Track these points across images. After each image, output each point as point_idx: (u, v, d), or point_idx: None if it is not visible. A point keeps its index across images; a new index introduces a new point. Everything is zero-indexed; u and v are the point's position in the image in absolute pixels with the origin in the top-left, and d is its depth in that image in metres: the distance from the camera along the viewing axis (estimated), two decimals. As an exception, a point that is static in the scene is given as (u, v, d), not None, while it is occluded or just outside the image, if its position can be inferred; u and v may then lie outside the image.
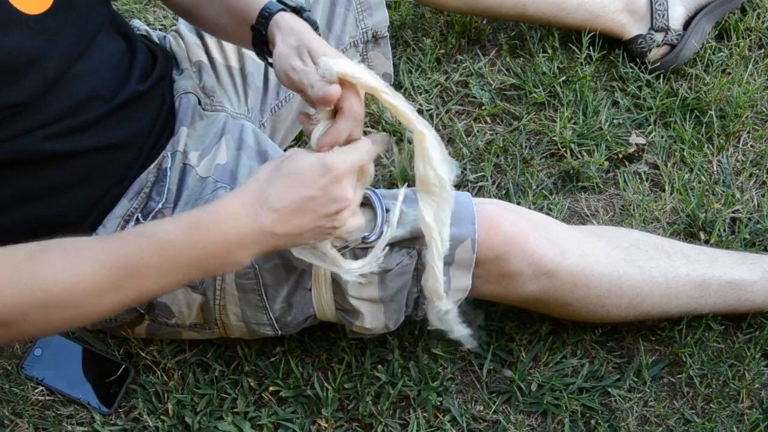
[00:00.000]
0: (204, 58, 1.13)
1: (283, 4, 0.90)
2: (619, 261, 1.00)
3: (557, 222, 1.03)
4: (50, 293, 0.70)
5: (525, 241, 0.94)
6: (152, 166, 0.98)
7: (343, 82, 0.80)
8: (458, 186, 1.29)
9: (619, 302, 1.02)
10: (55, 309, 0.71)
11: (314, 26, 0.90)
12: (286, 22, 0.87)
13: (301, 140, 1.36)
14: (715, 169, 1.30)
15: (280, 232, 0.76)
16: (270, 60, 0.89)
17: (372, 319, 0.96)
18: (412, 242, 0.93)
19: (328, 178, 0.77)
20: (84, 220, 0.93)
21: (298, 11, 0.90)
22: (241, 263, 0.77)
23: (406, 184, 1.06)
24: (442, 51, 1.46)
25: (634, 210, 1.25)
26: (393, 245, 0.92)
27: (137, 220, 0.94)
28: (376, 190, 0.93)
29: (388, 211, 0.91)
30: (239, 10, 0.93)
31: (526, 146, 1.34)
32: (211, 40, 1.14)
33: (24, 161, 0.85)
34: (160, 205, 0.95)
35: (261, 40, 0.91)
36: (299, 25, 0.87)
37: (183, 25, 1.16)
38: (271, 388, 1.09)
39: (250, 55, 1.14)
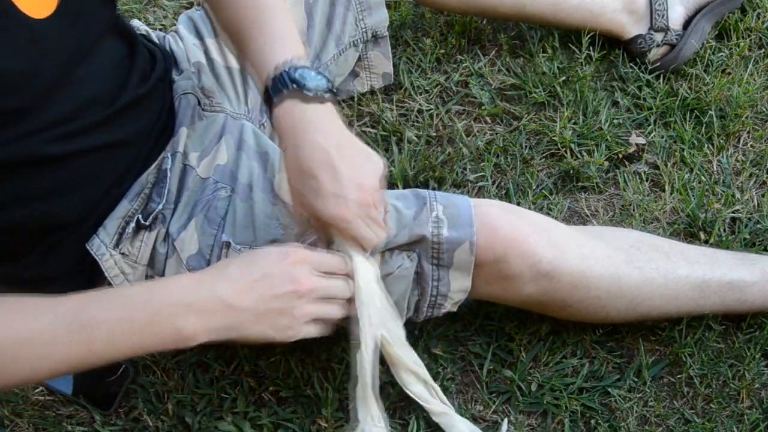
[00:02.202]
0: (203, 59, 1.13)
1: (287, 81, 0.82)
2: (618, 262, 1.00)
3: (557, 223, 1.03)
4: (8, 339, 0.70)
5: (525, 243, 0.94)
6: (152, 167, 0.97)
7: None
8: (458, 186, 1.29)
9: (619, 303, 1.02)
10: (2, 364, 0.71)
11: (332, 94, 0.84)
12: (286, 117, 0.82)
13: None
14: (715, 169, 1.30)
15: (236, 304, 0.77)
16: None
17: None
18: (412, 246, 0.93)
19: (287, 261, 0.79)
20: (84, 221, 0.93)
21: (304, 87, 0.82)
22: (193, 335, 0.76)
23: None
24: (442, 51, 1.46)
25: (634, 210, 1.25)
26: (392, 249, 0.92)
27: (137, 222, 0.94)
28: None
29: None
30: (253, 64, 0.89)
31: (526, 146, 1.34)
32: (210, 41, 1.14)
33: (23, 163, 0.85)
34: (160, 206, 0.95)
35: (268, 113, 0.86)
36: (300, 124, 0.82)
37: (183, 26, 1.16)
38: (271, 388, 1.09)
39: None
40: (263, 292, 0.78)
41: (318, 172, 0.80)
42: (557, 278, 0.96)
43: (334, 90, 0.85)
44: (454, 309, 0.97)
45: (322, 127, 0.82)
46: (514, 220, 0.95)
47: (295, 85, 0.82)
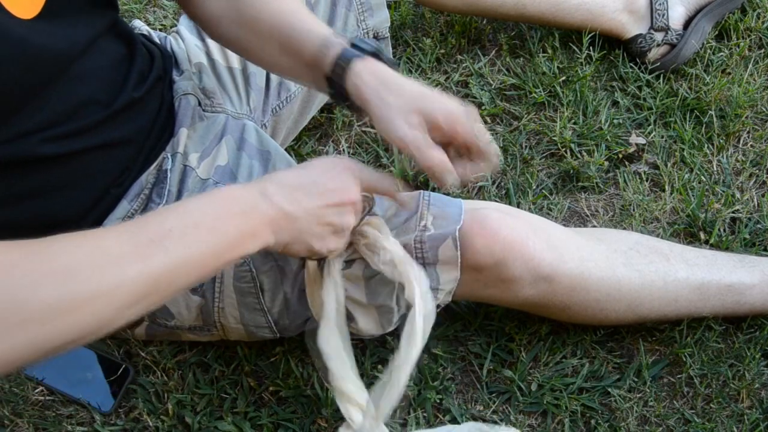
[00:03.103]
0: (204, 60, 1.13)
1: (357, 48, 0.86)
2: (618, 265, 1.00)
3: (556, 225, 1.03)
4: (66, 262, 0.62)
5: (524, 246, 0.94)
6: (152, 167, 0.97)
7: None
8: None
9: (618, 306, 1.02)
10: (72, 280, 0.61)
11: (395, 67, 0.87)
12: (370, 75, 0.84)
13: (300, 140, 1.36)
14: (715, 169, 1.30)
15: (287, 208, 0.76)
16: (354, 110, 0.89)
17: (364, 321, 0.96)
18: None
19: (336, 169, 0.80)
20: (83, 220, 0.93)
21: (376, 55, 0.86)
22: (254, 233, 0.74)
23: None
24: (442, 51, 1.46)
25: (634, 210, 1.25)
26: None
27: None
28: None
29: None
30: (298, 54, 0.89)
31: (526, 146, 1.34)
32: (211, 42, 1.14)
33: (20, 163, 0.85)
34: (160, 207, 0.95)
35: (340, 92, 0.87)
36: (387, 76, 0.84)
37: (184, 26, 1.16)
38: (271, 388, 1.09)
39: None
40: (313, 199, 0.78)
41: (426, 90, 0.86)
42: (556, 281, 0.96)
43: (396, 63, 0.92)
44: (449, 299, 0.97)
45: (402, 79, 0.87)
46: (513, 223, 0.95)
47: (369, 51, 0.86)
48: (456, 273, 0.93)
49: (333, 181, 0.80)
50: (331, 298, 0.88)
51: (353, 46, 0.86)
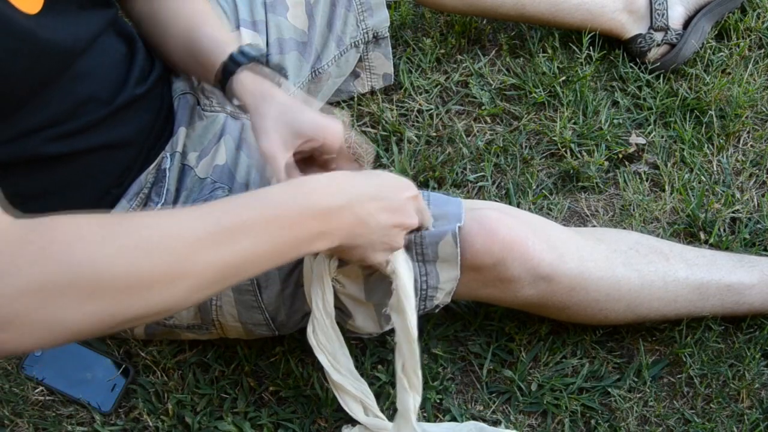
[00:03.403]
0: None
1: (244, 56, 0.91)
2: (617, 265, 1.00)
3: (556, 225, 1.02)
4: (143, 236, 0.61)
5: (524, 247, 0.94)
6: (151, 166, 0.98)
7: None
8: (458, 186, 1.29)
9: (617, 306, 1.02)
10: (147, 258, 0.61)
11: (278, 76, 0.92)
12: (251, 83, 0.89)
13: (301, 140, 1.35)
14: (715, 169, 1.30)
15: (366, 219, 0.77)
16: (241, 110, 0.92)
17: (362, 318, 0.96)
18: None
19: (409, 191, 0.84)
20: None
21: (260, 61, 0.91)
22: (320, 237, 0.74)
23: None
24: (442, 51, 1.46)
25: (634, 210, 1.25)
26: None
27: None
28: None
29: None
30: (198, 57, 0.95)
31: (526, 146, 1.34)
32: (211, 41, 1.14)
33: (24, 163, 0.85)
34: (159, 206, 0.95)
35: (229, 96, 0.93)
36: (264, 88, 0.89)
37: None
38: (271, 388, 1.09)
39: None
40: (386, 218, 0.79)
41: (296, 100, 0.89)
42: (556, 281, 0.96)
43: (284, 68, 0.95)
44: (448, 299, 0.97)
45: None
46: (513, 223, 0.95)
47: (261, 56, 0.92)
48: (456, 272, 0.93)
49: (406, 204, 0.82)
50: (318, 294, 0.90)
51: (241, 53, 0.91)
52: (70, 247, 0.58)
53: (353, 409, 0.99)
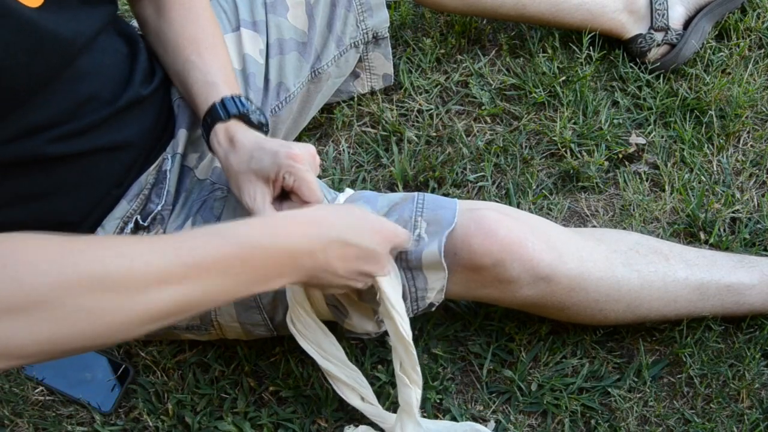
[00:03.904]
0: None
1: (224, 110, 0.92)
2: (617, 265, 1.00)
3: (555, 225, 1.02)
4: (103, 272, 0.59)
5: (523, 247, 0.93)
6: (152, 168, 0.98)
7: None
8: (458, 186, 1.29)
9: (617, 306, 1.02)
10: (103, 293, 0.59)
11: (263, 130, 0.94)
12: (223, 137, 0.91)
13: (300, 140, 1.36)
14: (715, 169, 1.30)
15: (333, 265, 0.76)
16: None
17: (358, 317, 0.96)
18: None
19: (385, 243, 0.81)
20: (83, 221, 0.94)
21: (241, 117, 0.92)
22: (285, 280, 0.73)
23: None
24: (442, 51, 1.46)
25: (634, 210, 1.25)
26: None
27: (136, 222, 0.94)
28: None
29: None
30: (191, 98, 0.97)
31: (526, 146, 1.34)
32: (211, 41, 1.14)
33: (26, 163, 0.85)
34: (159, 207, 0.95)
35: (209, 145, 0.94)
36: (236, 139, 0.91)
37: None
38: (271, 388, 1.09)
39: (251, 56, 1.14)
40: (354, 265, 0.78)
41: (265, 143, 0.90)
42: (555, 281, 0.96)
43: (266, 130, 0.96)
44: (441, 296, 0.96)
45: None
46: (512, 224, 0.94)
47: (243, 114, 0.93)
48: (443, 272, 0.93)
49: (378, 252, 0.80)
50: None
51: (223, 106, 0.92)
52: (20, 270, 0.56)
53: (348, 396, 1.00)
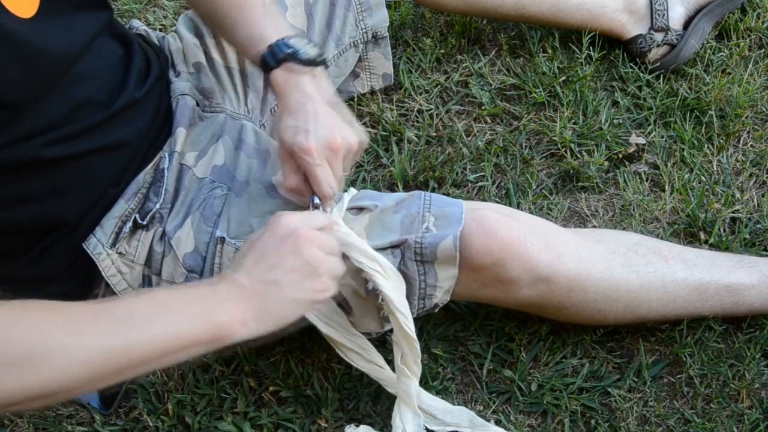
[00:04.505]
0: (203, 59, 1.13)
1: (273, 56, 0.92)
2: (616, 266, 1.00)
3: (555, 226, 1.03)
4: (28, 346, 0.65)
5: (523, 248, 0.94)
6: (149, 166, 0.98)
7: None
8: (458, 186, 1.29)
9: (616, 306, 1.02)
10: (21, 370, 0.64)
11: (316, 63, 0.94)
12: (282, 80, 0.92)
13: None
14: (715, 169, 1.30)
15: (249, 283, 0.76)
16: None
17: (362, 314, 0.96)
18: (394, 247, 0.93)
19: (277, 225, 0.80)
20: (81, 221, 0.94)
21: (292, 57, 0.92)
22: (228, 322, 0.74)
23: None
24: (442, 51, 1.46)
25: (634, 210, 1.25)
26: (376, 250, 0.92)
27: (134, 221, 0.94)
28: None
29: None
30: (238, 47, 1.00)
31: (526, 146, 1.34)
32: (210, 41, 1.14)
33: (22, 167, 0.85)
34: (157, 206, 0.95)
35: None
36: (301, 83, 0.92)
37: (182, 26, 1.16)
38: (271, 388, 1.09)
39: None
40: (270, 260, 0.78)
41: (300, 113, 0.90)
42: (555, 282, 0.96)
43: (324, 61, 0.96)
44: (447, 298, 0.97)
45: (312, 91, 0.92)
46: (512, 224, 0.95)
47: (290, 55, 0.92)
48: (454, 270, 0.93)
49: (279, 234, 0.80)
50: None
51: (271, 52, 0.93)
52: None
53: (354, 359, 1.00)
